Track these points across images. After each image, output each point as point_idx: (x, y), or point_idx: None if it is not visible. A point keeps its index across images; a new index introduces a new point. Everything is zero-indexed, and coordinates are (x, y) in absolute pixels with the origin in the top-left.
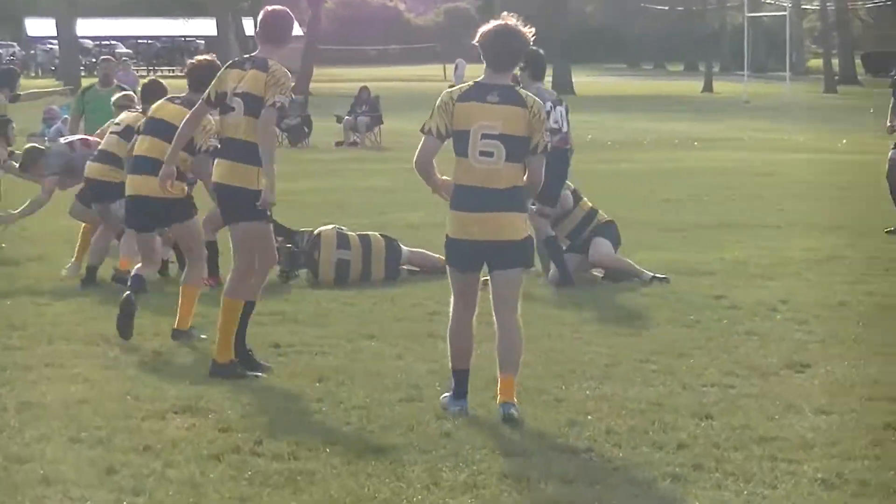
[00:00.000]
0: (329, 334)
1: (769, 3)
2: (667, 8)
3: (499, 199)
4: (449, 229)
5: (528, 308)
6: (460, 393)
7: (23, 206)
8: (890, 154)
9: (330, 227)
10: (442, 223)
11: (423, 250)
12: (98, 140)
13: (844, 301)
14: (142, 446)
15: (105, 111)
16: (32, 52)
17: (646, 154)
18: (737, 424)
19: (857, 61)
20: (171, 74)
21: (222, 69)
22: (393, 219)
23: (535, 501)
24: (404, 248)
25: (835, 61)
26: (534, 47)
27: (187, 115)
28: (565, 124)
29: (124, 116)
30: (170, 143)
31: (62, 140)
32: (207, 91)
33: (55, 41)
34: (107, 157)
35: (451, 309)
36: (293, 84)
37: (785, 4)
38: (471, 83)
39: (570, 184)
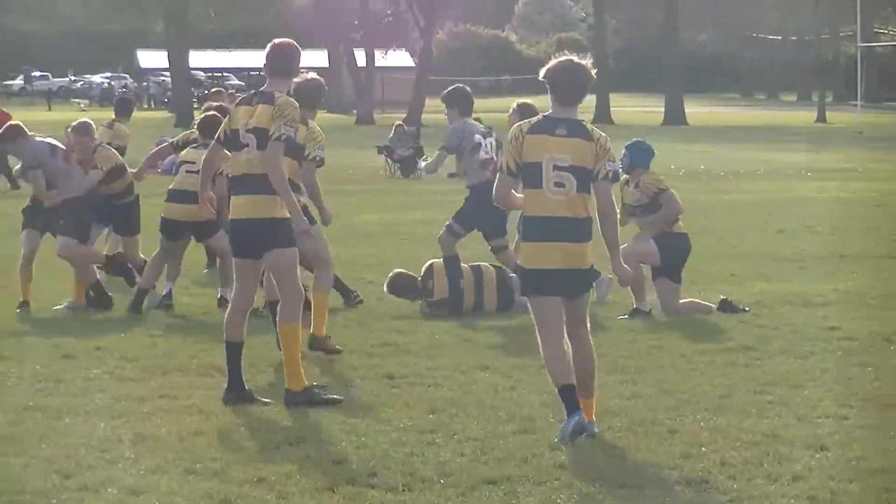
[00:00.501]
0: (442, 365)
1: (883, 33)
2: (780, 38)
3: (574, 229)
4: (524, 260)
5: (640, 339)
6: (572, 407)
7: None
8: None
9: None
10: None
11: None
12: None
13: None
14: (256, 478)
15: None
16: (145, 84)
17: (759, 184)
18: (852, 456)
19: None
20: None
21: (233, 107)
22: None
23: None
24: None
25: None
26: (460, 85)
27: (203, 160)
28: (495, 154)
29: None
30: None
31: (48, 141)
32: (219, 130)
33: (167, 73)
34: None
35: (539, 339)
36: (297, 116)
37: None
38: (540, 117)
39: None
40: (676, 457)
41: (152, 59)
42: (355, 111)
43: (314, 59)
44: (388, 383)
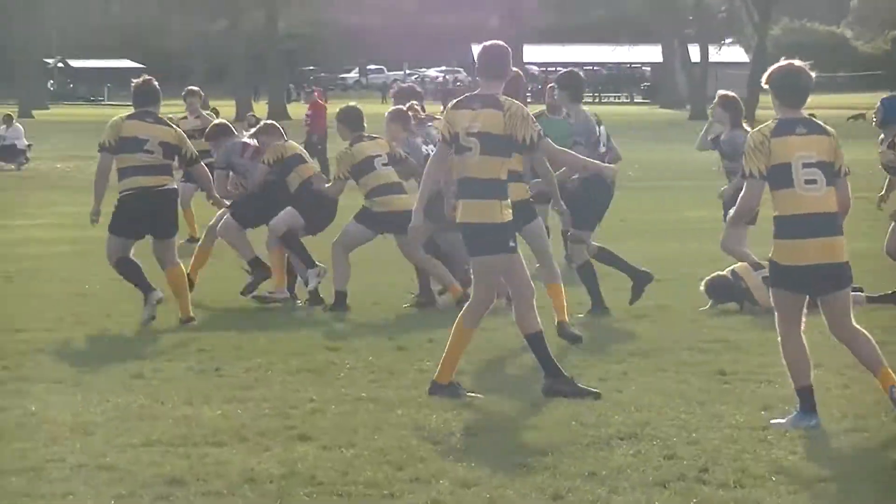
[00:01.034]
0: (773, 363)
1: None
2: None
3: (830, 224)
4: (779, 257)
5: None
6: (807, 407)
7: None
8: None
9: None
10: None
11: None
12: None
13: None
14: (587, 472)
15: (555, 140)
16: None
17: None
18: None
19: None
20: (616, 101)
21: (447, 110)
22: None
23: None
24: None
25: None
26: (574, 69)
27: (428, 164)
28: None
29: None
30: None
31: (242, 140)
32: (441, 132)
33: None
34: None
35: (780, 337)
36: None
37: None
38: (775, 121)
39: None
40: None
41: None
42: (688, 106)
43: (648, 53)
44: (719, 379)
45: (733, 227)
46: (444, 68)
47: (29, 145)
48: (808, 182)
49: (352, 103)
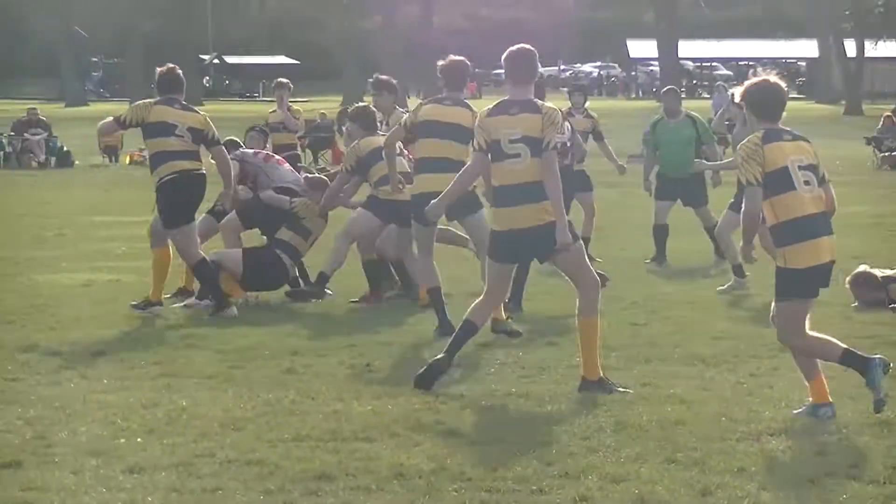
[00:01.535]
0: None
1: None
2: None
3: (830, 223)
4: (799, 261)
5: None
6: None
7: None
8: None
9: None
10: None
11: None
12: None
13: None
14: (736, 468)
15: (675, 143)
16: (633, 73)
17: None
18: None
19: None
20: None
21: (481, 118)
22: None
23: None
24: None
25: None
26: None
27: (462, 173)
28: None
29: None
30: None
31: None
32: (477, 140)
33: (656, 63)
34: None
35: (793, 346)
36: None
37: None
38: (759, 132)
39: None
40: None
41: (642, 48)
42: (843, 101)
43: (803, 49)
44: None
45: (747, 242)
46: (598, 63)
47: None
48: (806, 183)
49: (366, 103)
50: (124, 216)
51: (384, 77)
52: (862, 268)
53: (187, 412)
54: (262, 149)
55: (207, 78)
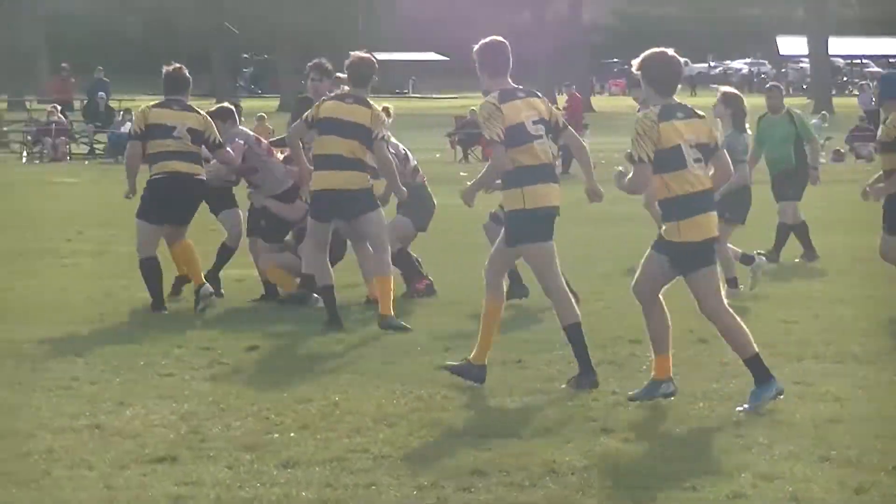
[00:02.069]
0: None
1: None
2: None
3: (712, 200)
4: (688, 235)
5: None
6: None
7: None
8: None
9: None
10: None
11: None
12: (273, 152)
13: None
14: (891, 466)
15: (773, 139)
16: (783, 70)
17: None
18: None
19: None
20: None
21: (496, 107)
22: None
23: None
24: None
25: None
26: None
27: (491, 167)
28: None
29: None
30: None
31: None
32: (497, 132)
33: (806, 59)
34: None
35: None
36: None
37: None
38: (657, 108)
39: None
40: None
41: (792, 45)
42: None
43: None
44: None
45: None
46: (749, 60)
47: None
48: (696, 161)
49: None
50: None
51: (320, 61)
52: None
53: (340, 408)
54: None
55: None
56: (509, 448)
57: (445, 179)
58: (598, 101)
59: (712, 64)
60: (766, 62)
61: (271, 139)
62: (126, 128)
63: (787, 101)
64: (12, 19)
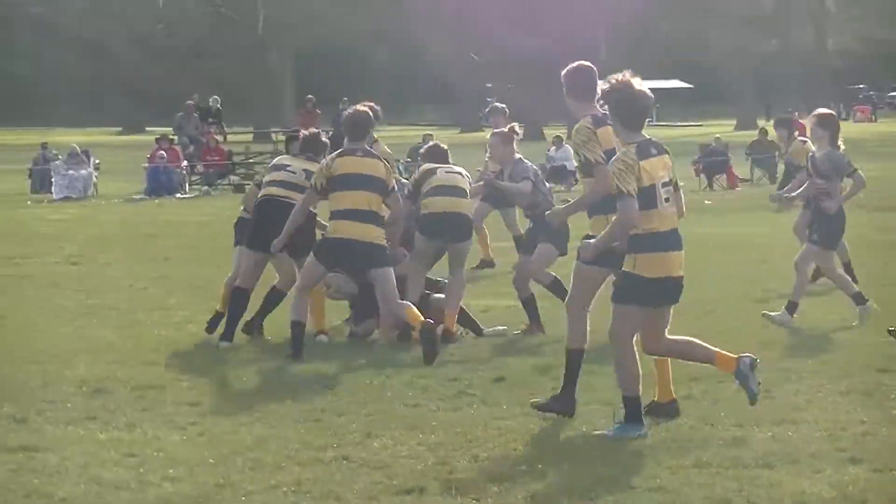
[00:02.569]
0: None
1: None
2: None
3: (679, 238)
4: (648, 271)
5: None
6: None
7: None
8: None
9: None
10: None
11: None
12: None
13: None
14: None
15: None
16: None
17: None
18: None
19: None
20: None
21: (597, 132)
22: None
23: None
24: None
25: None
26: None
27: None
28: None
29: None
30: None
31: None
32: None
33: None
34: None
35: (622, 345)
36: None
37: None
38: (633, 146)
39: None
40: None
41: None
42: None
43: None
44: None
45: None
46: None
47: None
48: (667, 200)
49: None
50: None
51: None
52: None
53: (589, 437)
54: None
55: None
56: (758, 479)
57: (690, 207)
58: (843, 127)
59: None
60: None
61: None
62: None
63: None
64: (265, 51)
